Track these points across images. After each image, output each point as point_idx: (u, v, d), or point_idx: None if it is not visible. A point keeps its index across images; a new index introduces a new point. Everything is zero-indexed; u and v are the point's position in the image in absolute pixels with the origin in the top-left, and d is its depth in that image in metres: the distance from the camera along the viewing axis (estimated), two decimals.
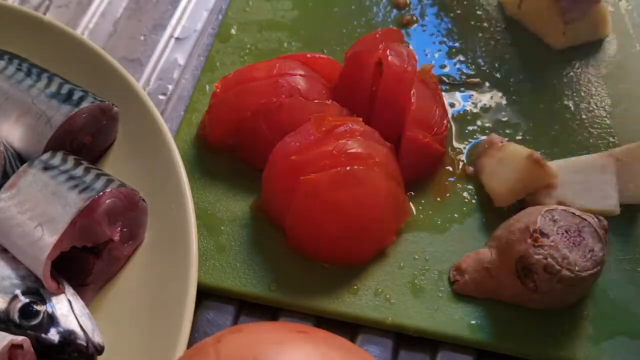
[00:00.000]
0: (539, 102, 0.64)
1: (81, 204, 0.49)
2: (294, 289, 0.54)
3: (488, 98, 0.64)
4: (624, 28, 0.69)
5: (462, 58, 0.66)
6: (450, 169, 0.60)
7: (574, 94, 0.65)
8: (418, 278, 0.54)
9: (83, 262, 0.52)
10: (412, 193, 0.58)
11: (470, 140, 0.61)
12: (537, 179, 0.55)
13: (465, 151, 0.61)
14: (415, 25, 0.69)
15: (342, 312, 0.53)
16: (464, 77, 0.65)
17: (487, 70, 0.66)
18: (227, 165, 0.60)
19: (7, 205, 0.51)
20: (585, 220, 0.51)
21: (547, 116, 0.63)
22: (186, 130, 0.62)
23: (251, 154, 0.59)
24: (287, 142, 0.55)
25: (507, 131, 0.61)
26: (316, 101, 0.58)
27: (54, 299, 0.49)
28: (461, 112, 0.63)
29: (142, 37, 0.70)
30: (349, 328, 0.53)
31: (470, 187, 0.59)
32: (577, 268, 0.49)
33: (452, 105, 0.63)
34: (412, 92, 0.57)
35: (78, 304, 0.49)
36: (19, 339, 0.46)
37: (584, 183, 0.55)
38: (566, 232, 0.50)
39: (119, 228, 0.52)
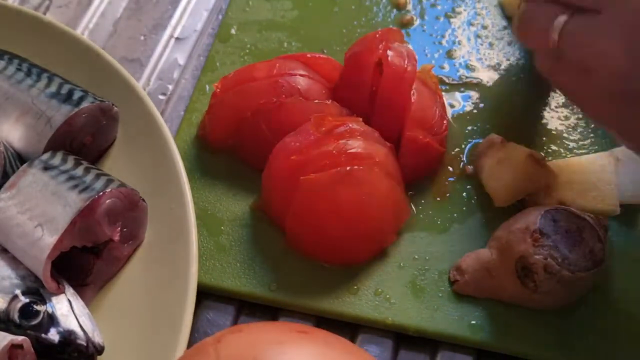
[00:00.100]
0: (539, 102, 0.64)
1: (81, 204, 0.49)
2: (294, 289, 0.54)
3: (488, 98, 0.64)
4: None
5: (462, 58, 0.66)
6: (450, 169, 0.60)
7: None
8: (418, 278, 0.54)
9: (83, 262, 0.52)
10: (412, 193, 0.58)
11: (470, 140, 0.61)
12: (537, 179, 0.55)
13: (465, 151, 0.61)
14: (415, 25, 0.69)
15: (342, 312, 0.53)
16: (464, 77, 0.65)
17: (487, 70, 0.66)
18: (227, 165, 0.60)
19: (7, 205, 0.51)
20: (585, 220, 0.51)
21: (547, 116, 0.63)
22: (186, 130, 0.62)
23: (251, 154, 0.59)
24: (287, 142, 0.55)
25: (507, 131, 0.61)
26: (316, 101, 0.58)
27: (54, 299, 0.49)
28: (461, 112, 0.63)
29: (142, 37, 0.70)
30: (349, 328, 0.53)
31: (470, 187, 0.59)
32: (577, 268, 0.49)
33: (452, 105, 0.63)
34: (412, 92, 0.57)
35: (78, 304, 0.50)
36: (19, 339, 0.46)
37: (584, 183, 0.55)
38: (566, 232, 0.50)
39: (119, 228, 0.52)
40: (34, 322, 0.48)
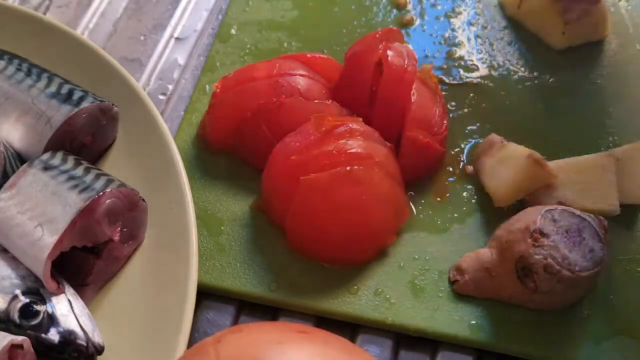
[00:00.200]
0: (539, 102, 0.64)
1: (81, 204, 0.49)
2: (294, 289, 0.54)
3: (488, 98, 0.64)
4: (624, 28, 0.69)
5: (462, 58, 0.66)
6: (450, 169, 0.60)
7: (574, 94, 0.65)
8: (418, 278, 0.54)
9: (83, 262, 0.52)
10: (412, 193, 0.58)
11: (470, 140, 0.61)
12: (537, 179, 0.55)
13: (465, 151, 0.61)
14: (415, 25, 0.69)
15: (342, 312, 0.53)
16: (464, 77, 0.65)
17: (487, 70, 0.66)
18: (227, 165, 0.60)
19: (7, 205, 0.51)
20: (585, 220, 0.51)
21: (547, 116, 0.63)
22: (186, 130, 0.62)
23: (251, 154, 0.59)
24: (287, 142, 0.55)
25: (507, 131, 0.61)
26: (316, 101, 0.58)
27: (54, 299, 0.49)
28: (461, 112, 0.63)
29: (142, 37, 0.70)
30: (349, 328, 0.53)
31: (470, 187, 0.59)
32: (577, 268, 0.49)
33: (452, 105, 0.63)
34: (412, 92, 0.57)
35: (78, 304, 0.49)
36: (19, 339, 0.46)
37: (584, 183, 0.55)
38: (566, 232, 0.50)
39: (119, 228, 0.52)
40: (34, 322, 0.48)
